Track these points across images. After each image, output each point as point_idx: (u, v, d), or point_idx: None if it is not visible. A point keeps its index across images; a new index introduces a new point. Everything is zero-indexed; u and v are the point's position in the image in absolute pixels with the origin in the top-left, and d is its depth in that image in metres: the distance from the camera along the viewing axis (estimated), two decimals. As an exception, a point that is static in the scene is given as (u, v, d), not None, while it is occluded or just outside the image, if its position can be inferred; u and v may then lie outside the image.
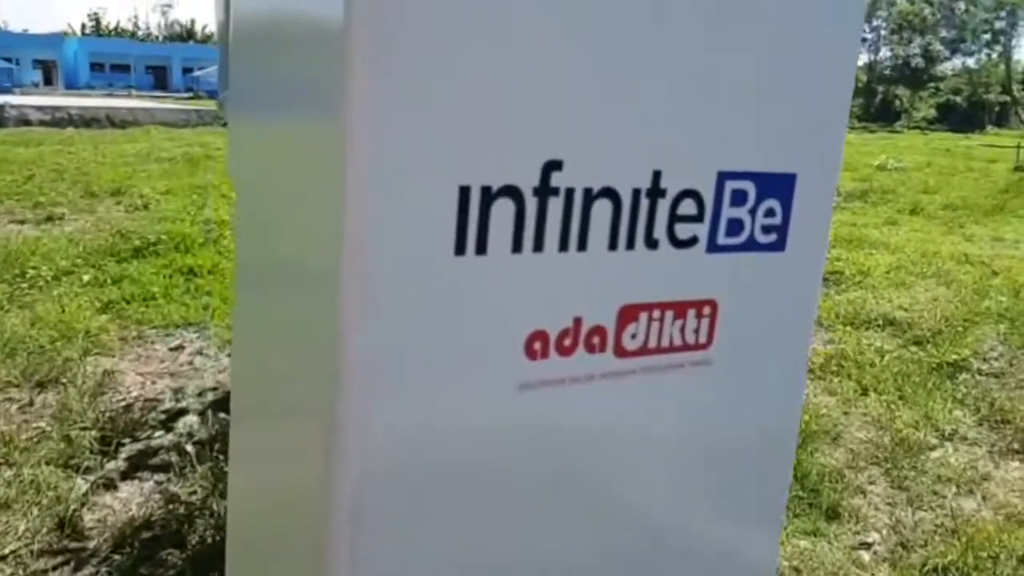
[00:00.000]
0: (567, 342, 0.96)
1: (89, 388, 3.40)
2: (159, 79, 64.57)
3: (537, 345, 0.94)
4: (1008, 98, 54.55)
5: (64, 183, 8.57)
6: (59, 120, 17.19)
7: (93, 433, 3.01)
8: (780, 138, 1.05)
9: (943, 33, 63.81)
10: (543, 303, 0.94)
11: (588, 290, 0.96)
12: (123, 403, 3.35)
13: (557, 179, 0.89)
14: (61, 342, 3.90)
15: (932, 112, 54.95)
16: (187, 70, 63.84)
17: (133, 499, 2.65)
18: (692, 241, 1.01)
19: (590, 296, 0.96)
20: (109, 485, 2.73)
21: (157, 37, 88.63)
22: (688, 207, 0.99)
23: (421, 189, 0.83)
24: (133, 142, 13.78)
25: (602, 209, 0.93)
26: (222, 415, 3.22)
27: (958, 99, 54.99)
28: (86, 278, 4.98)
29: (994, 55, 62.03)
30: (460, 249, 0.86)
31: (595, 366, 0.98)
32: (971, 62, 62.76)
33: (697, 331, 1.05)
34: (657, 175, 0.95)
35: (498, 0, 0.82)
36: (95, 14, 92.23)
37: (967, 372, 4.22)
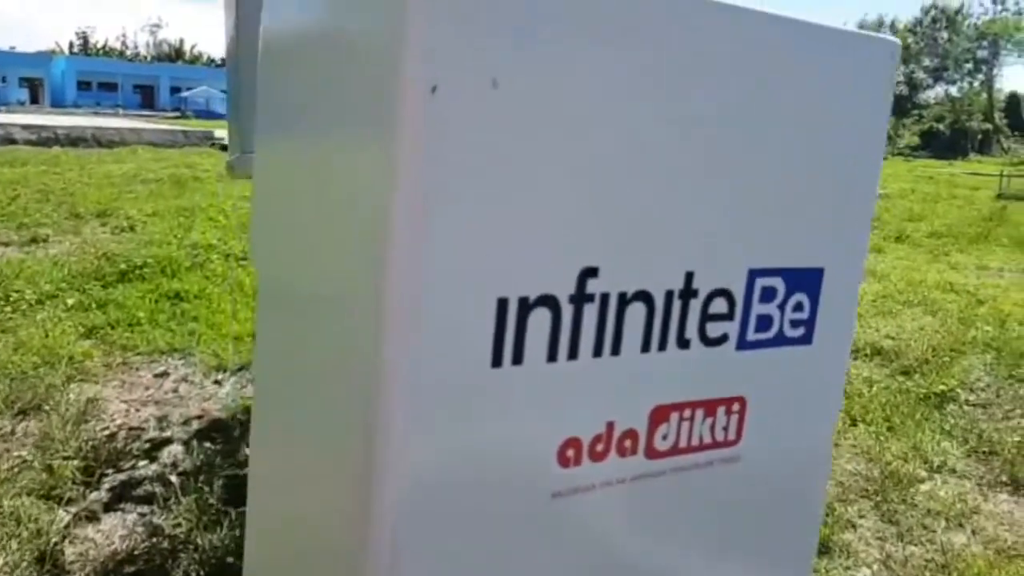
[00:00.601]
0: (600, 447, 0.95)
1: (72, 416, 3.36)
2: (146, 98, 64.61)
3: (570, 452, 0.93)
4: (990, 126, 55.17)
5: (49, 204, 8.52)
6: (45, 139, 17.12)
7: (76, 463, 2.97)
8: (808, 233, 1.05)
9: (926, 62, 64.67)
10: (577, 410, 0.93)
11: (621, 394, 0.95)
12: (107, 432, 3.31)
13: (593, 286, 0.89)
14: (44, 368, 3.86)
15: (915, 139, 55.46)
16: (175, 89, 63.93)
17: (116, 532, 2.61)
18: (723, 339, 1.00)
19: (623, 400, 0.96)
20: (91, 517, 2.68)
21: (145, 56, 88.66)
22: (719, 306, 0.99)
23: (460, 304, 0.82)
24: (120, 162, 13.72)
25: (636, 312, 0.92)
26: (207, 445, 3.19)
27: (941, 126, 55.55)
28: (70, 302, 4.94)
29: (976, 83, 62.87)
30: (497, 362, 0.85)
31: (627, 470, 0.98)
32: (953, 90, 63.62)
33: (727, 428, 1.04)
34: (690, 276, 0.95)
35: (532, 117, 0.81)
36: (83, 33, 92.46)
37: (954, 403, 4.22)
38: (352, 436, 0.87)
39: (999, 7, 66.89)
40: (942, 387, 4.36)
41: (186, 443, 3.22)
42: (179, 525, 2.62)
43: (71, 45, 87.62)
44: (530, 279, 0.85)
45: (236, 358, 4.15)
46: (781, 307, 1.04)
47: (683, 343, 0.97)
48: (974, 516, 3.09)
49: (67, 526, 2.60)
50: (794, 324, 1.06)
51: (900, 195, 16.10)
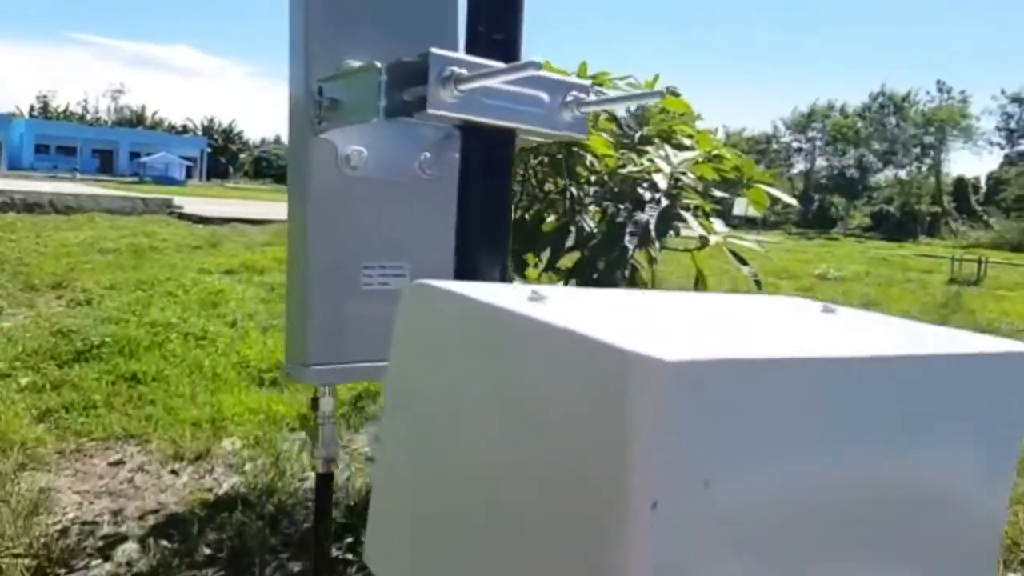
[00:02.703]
0: None
1: (24, 509, 3.22)
2: (105, 163, 64.43)
3: None
4: (939, 209, 56.84)
5: (4, 274, 8.34)
6: (1, 204, 16.86)
7: (26, 561, 2.83)
8: (947, 564, 1.04)
9: (875, 145, 66.81)
10: None
11: None
12: (59, 526, 3.17)
13: None
14: (-6, 455, 3.71)
15: (866, 220, 57.00)
16: (134, 155, 63.74)
17: (66, 641, 2.48)
18: None
19: None
20: (40, 624, 2.55)
21: (106, 121, 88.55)
22: None
23: None
24: (76, 230, 13.53)
25: None
26: (164, 543, 3.06)
27: (891, 208, 57.17)
28: (24, 382, 4.79)
29: (924, 168, 65.01)
30: None
31: None
32: (902, 174, 65.69)
33: None
34: None
35: (736, 506, 0.80)
36: (44, 96, 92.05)
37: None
38: None
39: (944, 95, 69.70)
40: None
41: (141, 540, 3.09)
42: (134, 635, 2.50)
43: (31, 108, 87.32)
44: None
45: (194, 445, 4.03)
46: None
47: None
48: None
49: (14, 636, 2.47)
50: None
51: (855, 278, 16.40)
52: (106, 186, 30.34)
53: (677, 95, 3.53)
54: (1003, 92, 71.32)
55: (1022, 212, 56.92)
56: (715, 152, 3.55)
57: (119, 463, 3.86)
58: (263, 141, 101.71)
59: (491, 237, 1.37)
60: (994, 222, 56.22)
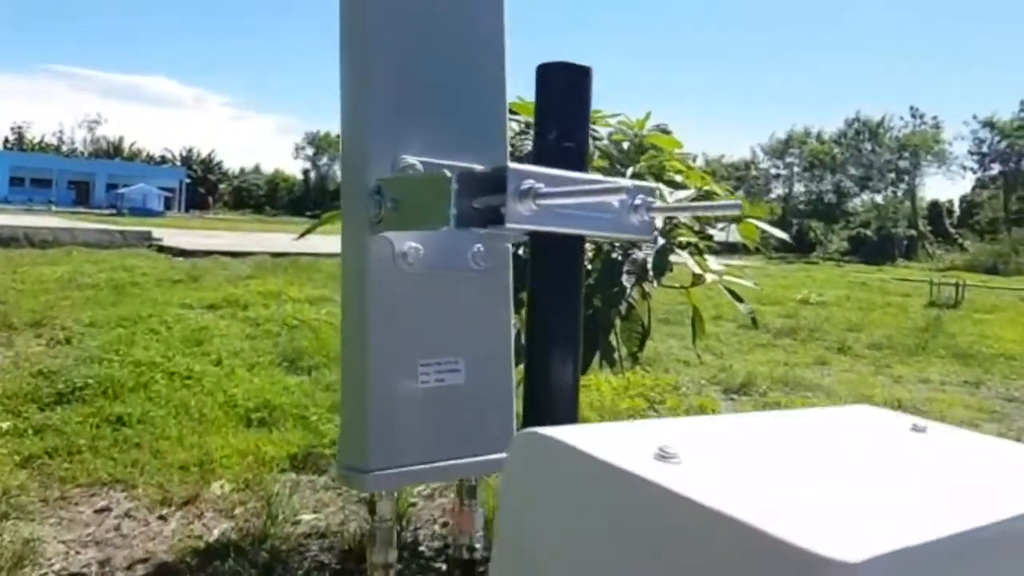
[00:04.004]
0: None
1: (7, 562, 3.13)
2: (81, 194, 64.07)
3: None
4: (915, 232, 57.48)
5: (-19, 313, 8.21)
6: (-25, 240, 16.69)
7: (10, 618, 2.75)
8: None
9: (852, 171, 67.67)
10: None
11: None
12: (44, 580, 3.09)
13: None
14: (-24, 505, 3.61)
15: (845, 244, 57.58)
16: (112, 186, 63.40)
17: None
18: None
19: None
20: None
21: (82, 152, 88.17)
22: None
23: None
24: (54, 265, 13.37)
25: None
26: (155, 595, 2.99)
27: (868, 232, 57.79)
28: (5, 427, 4.68)
29: (899, 192, 65.88)
30: None
31: None
32: (879, 198, 66.54)
33: None
34: None
35: None
36: (18, 127, 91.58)
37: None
38: None
39: (918, 120, 70.75)
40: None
41: (131, 593, 3.02)
42: None
43: (6, 140, 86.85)
44: None
45: (182, 490, 3.95)
46: None
47: None
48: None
49: None
50: None
51: (837, 303, 16.49)
52: (83, 219, 30.14)
53: (668, 132, 3.53)
54: (975, 117, 72.54)
55: (995, 235, 57.60)
56: (706, 188, 3.54)
57: (105, 510, 3.77)
58: (242, 171, 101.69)
59: (563, 338, 1.35)
60: (968, 245, 56.89)
